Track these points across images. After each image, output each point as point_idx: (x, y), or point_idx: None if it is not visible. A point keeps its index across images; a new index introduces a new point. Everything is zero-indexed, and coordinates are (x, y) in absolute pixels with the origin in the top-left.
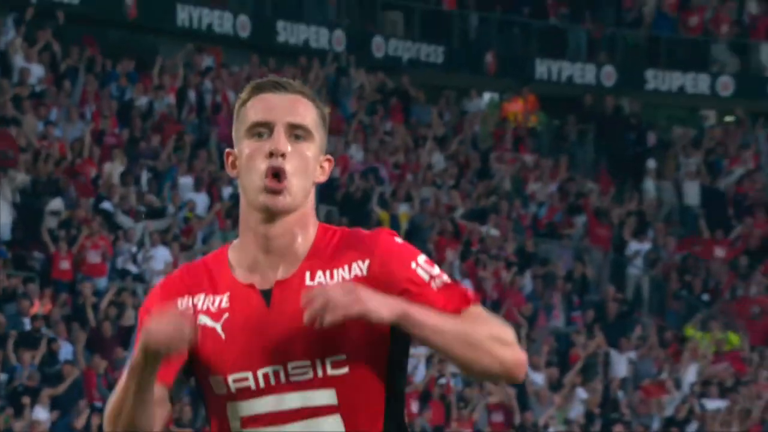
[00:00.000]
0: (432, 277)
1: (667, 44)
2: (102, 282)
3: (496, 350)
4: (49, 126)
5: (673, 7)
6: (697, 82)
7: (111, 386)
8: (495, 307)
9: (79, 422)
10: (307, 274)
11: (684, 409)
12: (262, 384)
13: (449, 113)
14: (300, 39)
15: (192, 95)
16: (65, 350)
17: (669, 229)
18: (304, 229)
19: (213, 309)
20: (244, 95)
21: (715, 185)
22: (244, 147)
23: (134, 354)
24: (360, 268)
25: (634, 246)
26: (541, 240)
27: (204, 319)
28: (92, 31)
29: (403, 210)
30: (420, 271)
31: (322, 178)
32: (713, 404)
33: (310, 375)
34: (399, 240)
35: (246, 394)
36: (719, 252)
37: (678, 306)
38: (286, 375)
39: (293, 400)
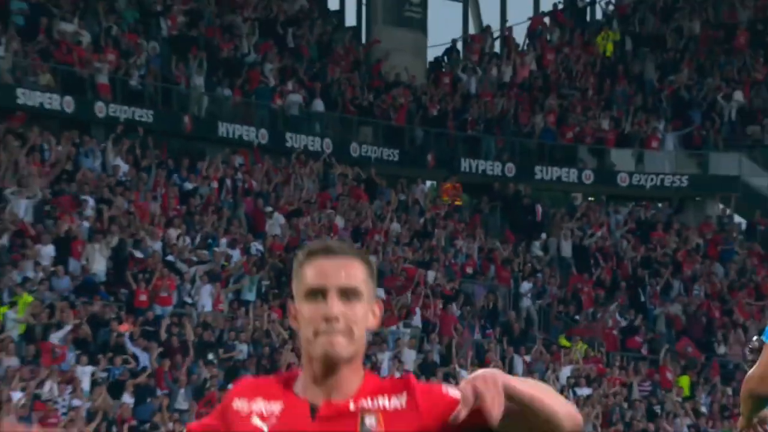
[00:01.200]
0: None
1: (550, 149)
2: (168, 309)
3: (557, 402)
4: (131, 204)
5: (553, 123)
6: (569, 174)
7: (175, 380)
8: (434, 326)
9: (155, 404)
10: (351, 401)
11: (562, 394)
12: None
13: (402, 194)
14: (301, 144)
15: (228, 183)
16: (143, 357)
17: (551, 273)
18: (356, 369)
19: (265, 413)
20: (300, 257)
21: (582, 243)
22: (303, 309)
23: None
24: (398, 400)
25: (526, 285)
26: (466, 280)
27: (256, 421)
28: (161, 140)
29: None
30: (451, 392)
31: (374, 322)
32: (582, 391)
33: None
34: (432, 380)
35: None
36: (585, 288)
37: (558, 324)
38: None
39: None
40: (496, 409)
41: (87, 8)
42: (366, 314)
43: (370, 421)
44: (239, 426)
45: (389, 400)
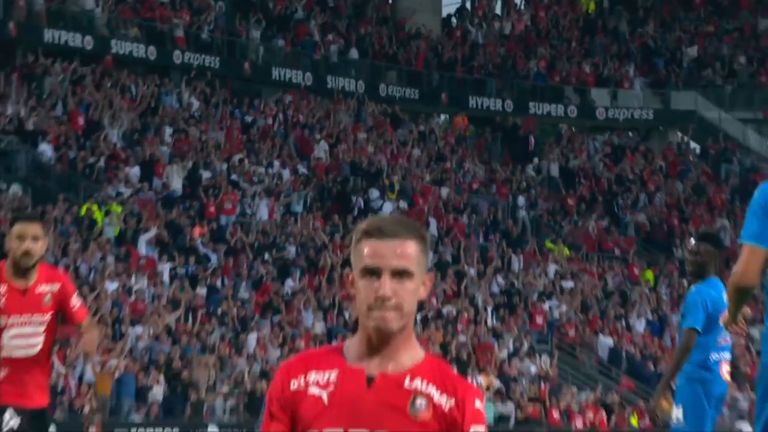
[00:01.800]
0: None
1: (541, 89)
2: (232, 218)
3: None
4: (202, 134)
5: (544, 68)
6: (557, 110)
7: (238, 275)
8: (447, 233)
9: (222, 294)
10: (408, 378)
11: (549, 287)
12: None
13: (421, 126)
14: (339, 85)
15: (280, 116)
16: (213, 257)
17: (542, 190)
18: (409, 340)
19: (322, 382)
20: (358, 235)
21: (567, 165)
22: (359, 284)
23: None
24: (446, 401)
25: (522, 199)
26: (472, 195)
27: (313, 389)
28: (226, 82)
29: (396, 179)
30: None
31: (423, 294)
32: (566, 284)
33: None
34: (479, 404)
35: None
36: (570, 201)
37: (547, 231)
38: None
39: None
40: None
41: None
42: (416, 289)
43: (420, 402)
44: (302, 405)
45: (440, 394)
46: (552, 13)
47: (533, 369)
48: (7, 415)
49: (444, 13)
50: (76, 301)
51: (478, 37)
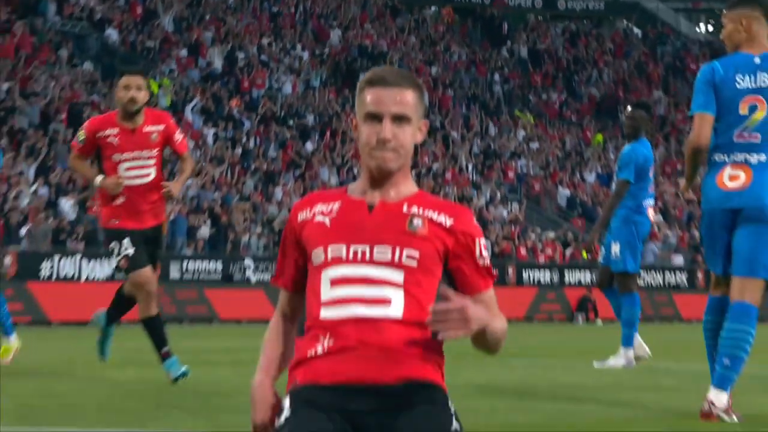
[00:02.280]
0: (482, 256)
1: None
2: (262, 91)
3: (503, 343)
4: (238, 22)
5: None
6: (526, 1)
7: (267, 137)
8: (437, 103)
9: (254, 153)
10: (405, 204)
11: (519, 148)
12: (351, 256)
13: (416, 15)
14: None
15: (301, 7)
16: (246, 123)
17: (513, 68)
18: (406, 177)
19: (326, 210)
20: (362, 84)
21: (535, 48)
22: (363, 128)
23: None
24: (446, 220)
25: (497, 76)
26: (457, 73)
27: (319, 218)
28: None
29: (395, 59)
30: (477, 247)
31: (419, 138)
32: (533, 145)
33: (389, 257)
34: (475, 220)
35: (338, 261)
36: (536, 78)
37: (518, 102)
38: (371, 253)
39: (373, 271)
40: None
41: None
42: (414, 133)
43: (417, 222)
44: (307, 229)
45: (438, 214)
46: None
47: (505, 214)
48: (126, 242)
49: None
50: (178, 136)
51: None
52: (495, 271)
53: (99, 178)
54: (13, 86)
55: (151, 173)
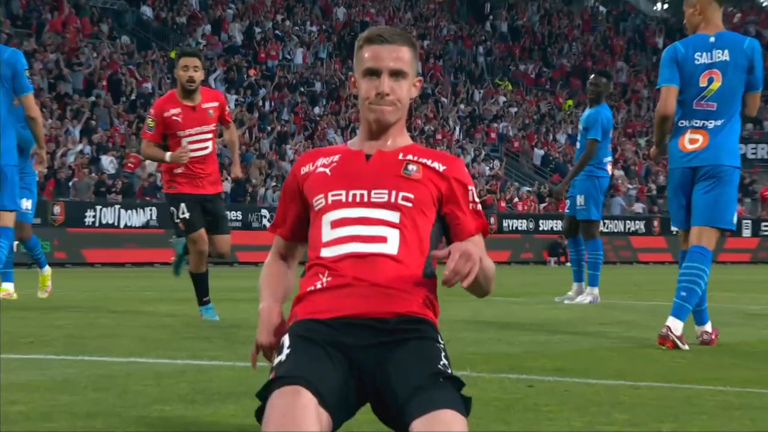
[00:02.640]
0: (474, 201)
1: None
2: (276, 62)
3: (493, 284)
4: (256, 1)
5: None
6: None
7: (281, 103)
8: (428, 72)
9: (270, 118)
10: (401, 153)
11: (500, 112)
12: (350, 199)
13: None
14: None
15: None
16: (262, 90)
17: (495, 42)
18: (402, 130)
19: (327, 162)
20: (361, 41)
21: (514, 25)
22: (362, 84)
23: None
24: (439, 166)
25: (481, 49)
26: (446, 46)
27: (320, 169)
28: None
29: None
30: (470, 194)
31: (415, 93)
32: (511, 110)
33: (386, 199)
34: (466, 170)
35: (338, 204)
36: (515, 50)
37: (499, 72)
38: (369, 196)
39: (370, 212)
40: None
41: None
42: (409, 88)
43: (412, 167)
44: (309, 180)
45: (431, 161)
46: None
47: (488, 170)
48: (183, 206)
49: None
50: (227, 109)
51: None
52: (485, 220)
53: (168, 155)
54: (61, 57)
55: (209, 146)
